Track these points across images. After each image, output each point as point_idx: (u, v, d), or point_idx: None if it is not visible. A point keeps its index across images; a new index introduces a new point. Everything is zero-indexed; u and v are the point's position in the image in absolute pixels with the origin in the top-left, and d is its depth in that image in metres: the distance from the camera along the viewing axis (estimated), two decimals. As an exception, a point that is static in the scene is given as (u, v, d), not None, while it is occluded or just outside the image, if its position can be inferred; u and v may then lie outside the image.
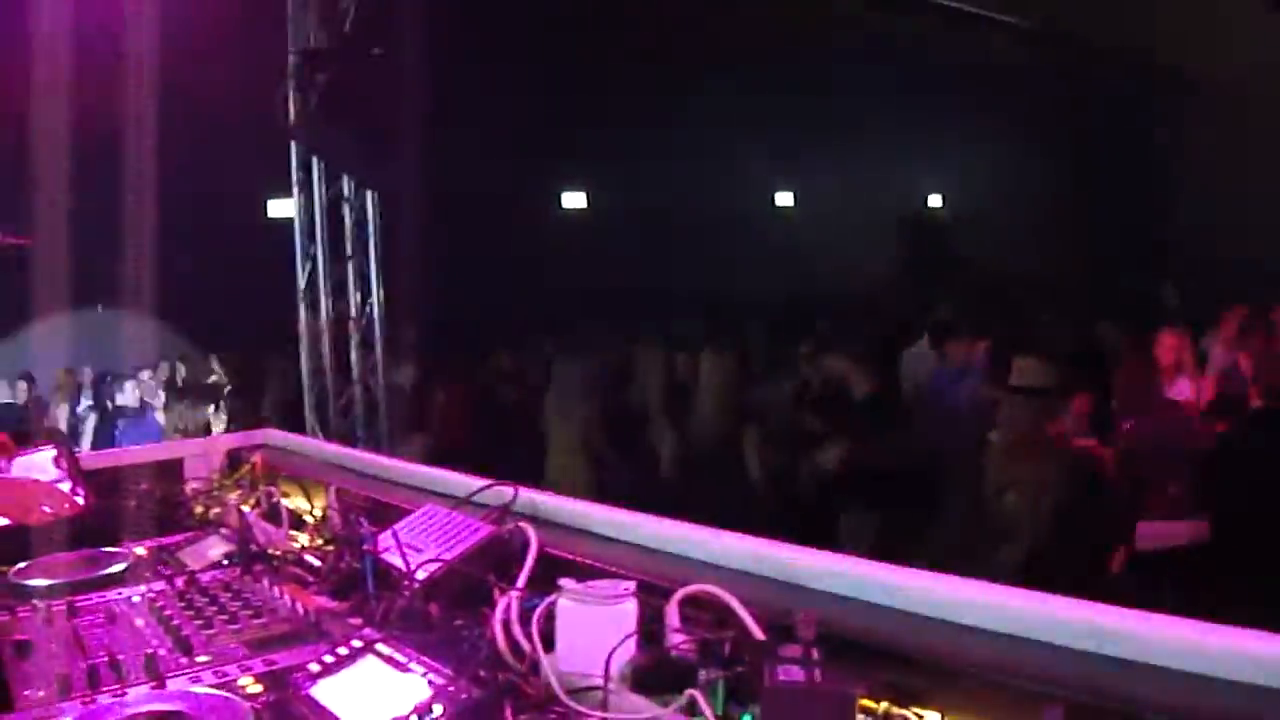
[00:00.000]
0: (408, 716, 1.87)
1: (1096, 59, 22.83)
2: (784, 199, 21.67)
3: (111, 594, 2.80)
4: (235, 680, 2.17)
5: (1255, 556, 6.25)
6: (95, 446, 10.71)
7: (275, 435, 4.68)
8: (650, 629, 2.12)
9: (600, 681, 1.97)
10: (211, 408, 10.72)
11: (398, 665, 2.09)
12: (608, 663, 1.98)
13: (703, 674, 1.94)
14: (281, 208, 10.57)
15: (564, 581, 2.16)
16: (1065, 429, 7.03)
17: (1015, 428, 6.68)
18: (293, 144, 9.42)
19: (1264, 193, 24.56)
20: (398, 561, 2.61)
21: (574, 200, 18.51)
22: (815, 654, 1.89)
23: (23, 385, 12.76)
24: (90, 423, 12.06)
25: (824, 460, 8.26)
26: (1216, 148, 25.72)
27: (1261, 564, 6.20)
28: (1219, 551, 6.73)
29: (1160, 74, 25.21)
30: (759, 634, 2.11)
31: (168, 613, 2.60)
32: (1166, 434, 7.28)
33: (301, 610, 2.54)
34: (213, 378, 12.20)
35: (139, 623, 2.57)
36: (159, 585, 2.84)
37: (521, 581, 2.45)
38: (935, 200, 24.96)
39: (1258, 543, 6.26)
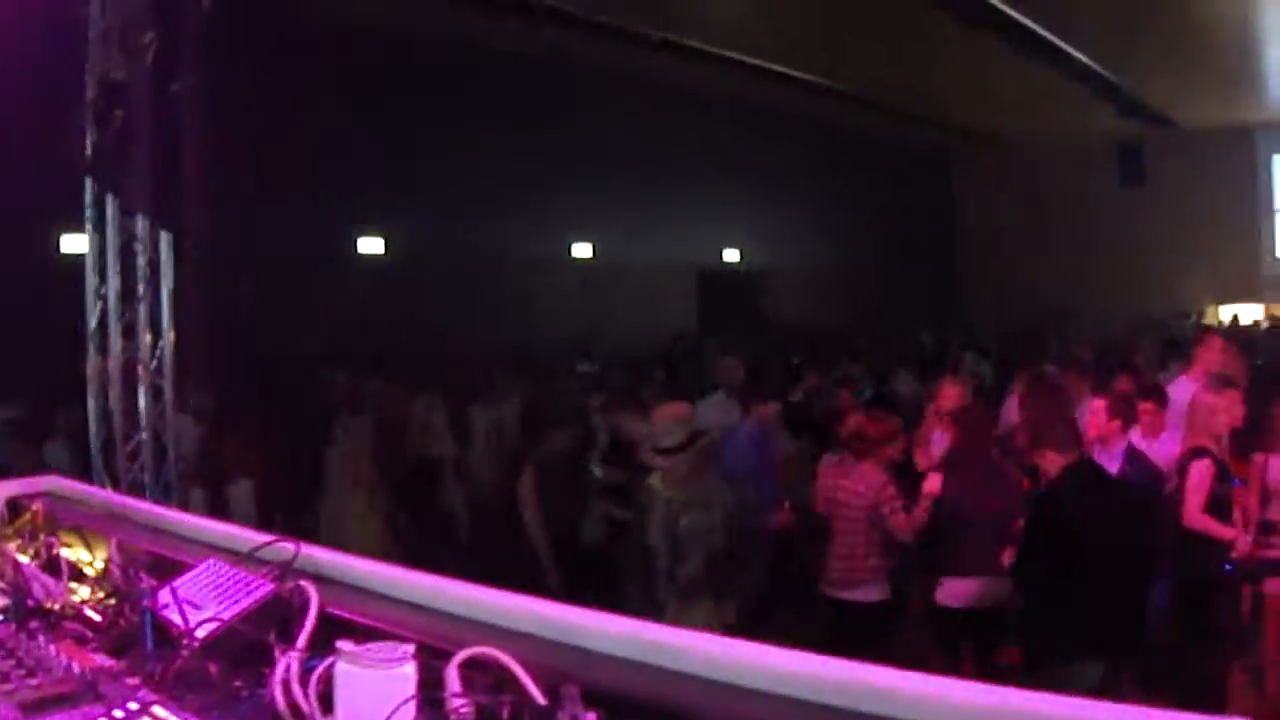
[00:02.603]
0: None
1: (895, 117, 23.56)
2: (582, 249, 21.86)
3: (-126, 652, 2.68)
4: (5, 744, 2.12)
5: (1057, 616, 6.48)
6: None
7: (59, 483, 4.55)
8: (430, 692, 2.14)
9: (379, 746, 1.97)
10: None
11: (174, 728, 2.07)
12: (386, 727, 1.99)
13: (481, 738, 1.97)
14: (76, 243, 10.22)
15: (342, 644, 2.16)
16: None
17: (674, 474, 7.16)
18: (88, 179, 9.15)
19: (1060, 247, 25.67)
20: (177, 619, 2.57)
21: (372, 245, 18.39)
22: (594, 718, 1.93)
23: None
24: None
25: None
26: (1013, 204, 26.80)
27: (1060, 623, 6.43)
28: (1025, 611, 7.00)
29: (957, 132, 26.10)
30: (539, 697, 2.14)
31: (-65, 672, 2.52)
32: (975, 488, 7.51)
33: (78, 669, 2.47)
34: None
35: (-97, 683, 2.48)
36: (-72, 642, 2.74)
37: (301, 642, 2.44)
38: (732, 255, 25.35)
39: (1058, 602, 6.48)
